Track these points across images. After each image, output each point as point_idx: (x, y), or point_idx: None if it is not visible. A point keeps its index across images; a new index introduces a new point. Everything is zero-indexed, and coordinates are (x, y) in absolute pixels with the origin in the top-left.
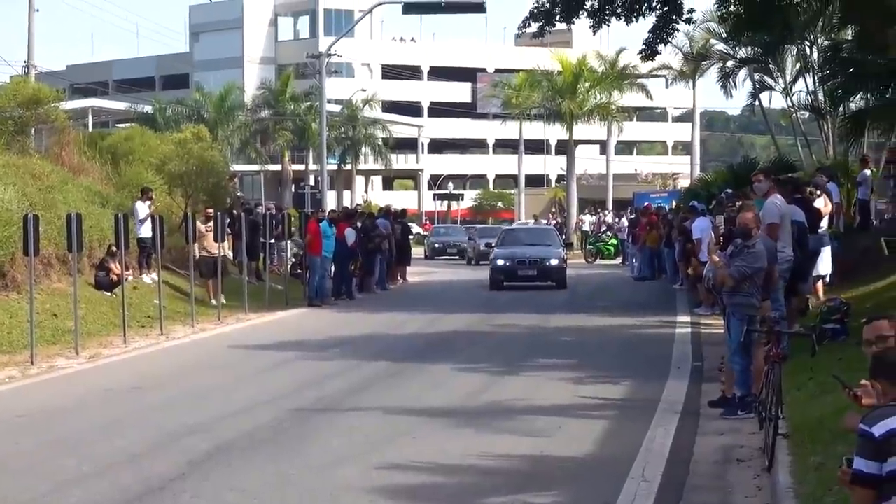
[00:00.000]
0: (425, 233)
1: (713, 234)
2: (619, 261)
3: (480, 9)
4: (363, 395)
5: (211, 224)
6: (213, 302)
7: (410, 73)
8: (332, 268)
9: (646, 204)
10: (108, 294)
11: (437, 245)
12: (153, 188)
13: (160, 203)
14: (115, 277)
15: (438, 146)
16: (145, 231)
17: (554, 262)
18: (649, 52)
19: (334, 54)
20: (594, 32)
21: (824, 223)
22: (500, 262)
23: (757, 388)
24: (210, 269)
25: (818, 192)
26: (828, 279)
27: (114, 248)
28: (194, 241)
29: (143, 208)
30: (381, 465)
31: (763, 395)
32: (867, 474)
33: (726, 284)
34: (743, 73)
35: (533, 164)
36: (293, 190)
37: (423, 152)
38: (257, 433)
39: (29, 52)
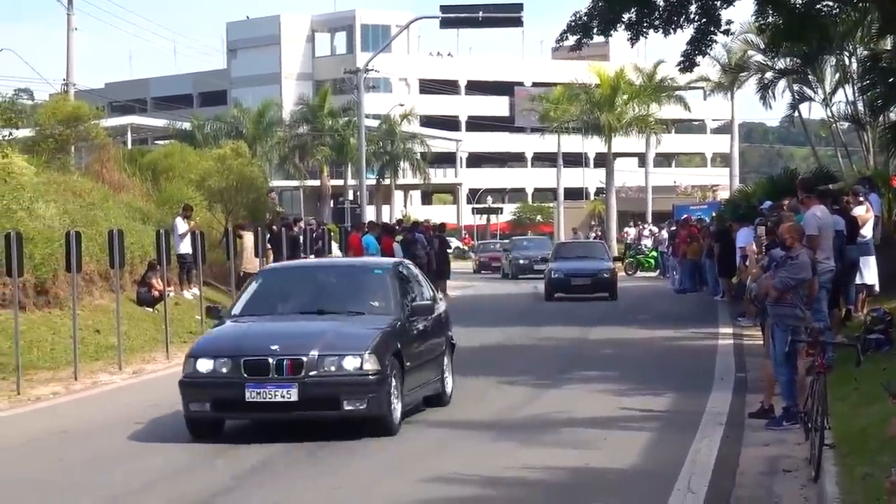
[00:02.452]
0: (465, 247)
1: (754, 245)
2: (657, 273)
3: (518, 23)
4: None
5: (248, 238)
6: None
7: (448, 87)
8: None
9: (685, 216)
10: (150, 310)
11: (521, 262)
12: (193, 204)
13: (200, 218)
14: (156, 293)
15: (477, 160)
16: (185, 247)
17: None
18: (687, 63)
19: (372, 69)
20: (632, 45)
21: (867, 232)
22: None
23: (801, 399)
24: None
25: (860, 199)
26: (876, 289)
27: (155, 264)
28: (236, 256)
29: (182, 224)
30: (425, 478)
31: (808, 405)
32: None
33: (770, 295)
34: (782, 84)
35: (571, 178)
36: (332, 205)
37: (461, 166)
38: (301, 447)
39: (68, 70)
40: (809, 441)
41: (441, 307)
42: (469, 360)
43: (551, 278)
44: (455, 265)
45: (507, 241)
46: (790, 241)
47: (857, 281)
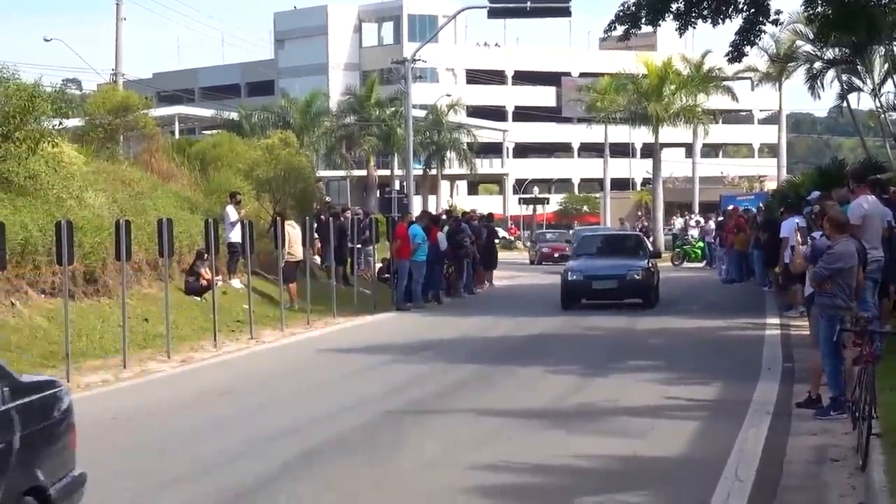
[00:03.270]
0: (511, 237)
1: (798, 235)
2: (703, 264)
3: (565, 12)
4: (454, 397)
5: (293, 226)
6: (293, 306)
7: (495, 77)
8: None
9: (732, 206)
10: (198, 299)
11: None
12: (240, 192)
13: (249, 208)
14: (205, 282)
15: (523, 150)
16: (235, 235)
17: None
18: (735, 54)
19: (419, 60)
20: (680, 35)
21: None
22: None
23: (849, 389)
24: (291, 272)
25: None
26: None
27: (203, 253)
28: (283, 245)
29: (233, 212)
30: (474, 466)
31: (856, 395)
32: None
33: (812, 286)
34: (830, 74)
35: (618, 168)
36: (379, 195)
37: (507, 156)
38: (349, 436)
39: (116, 60)
40: (857, 430)
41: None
42: (517, 350)
43: (567, 281)
44: (502, 255)
45: (565, 230)
46: (828, 231)
47: None
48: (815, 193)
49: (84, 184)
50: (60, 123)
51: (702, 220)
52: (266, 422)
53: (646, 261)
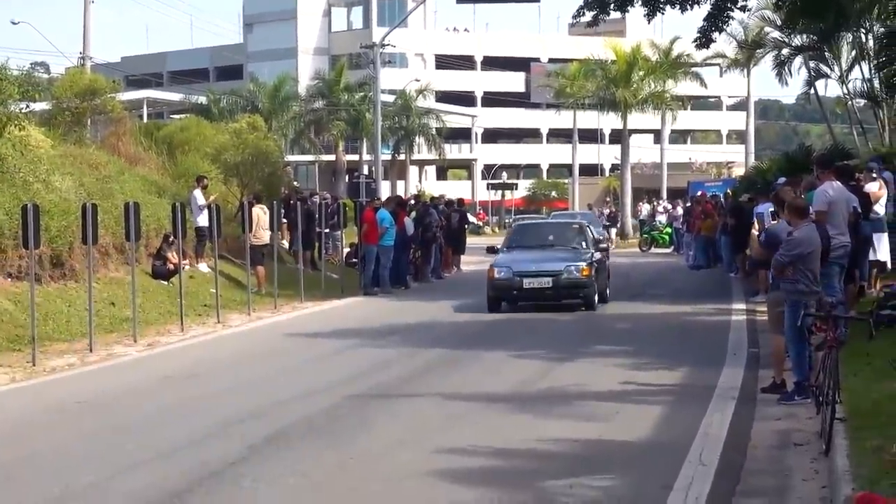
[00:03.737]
0: (479, 222)
1: (756, 222)
2: (671, 249)
3: None
4: (420, 381)
5: (263, 211)
6: (261, 290)
7: (464, 63)
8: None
9: (700, 192)
10: (165, 283)
11: None
12: (207, 176)
13: (216, 192)
14: (171, 266)
15: (492, 136)
16: (203, 220)
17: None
18: (704, 40)
19: (388, 44)
20: (649, 21)
21: (880, 209)
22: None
23: (813, 374)
24: (257, 256)
25: (873, 176)
26: (888, 266)
27: (171, 237)
28: (251, 230)
29: (200, 196)
30: (439, 449)
31: (820, 380)
32: None
33: (773, 272)
34: (798, 61)
35: (587, 154)
36: (347, 180)
37: (476, 142)
38: (315, 419)
39: (84, 43)
40: (821, 415)
41: None
42: (484, 335)
43: (494, 280)
44: (471, 240)
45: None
46: (788, 217)
47: (871, 257)
48: (781, 179)
49: (51, 167)
50: (27, 107)
51: (669, 207)
52: (232, 405)
53: (591, 253)
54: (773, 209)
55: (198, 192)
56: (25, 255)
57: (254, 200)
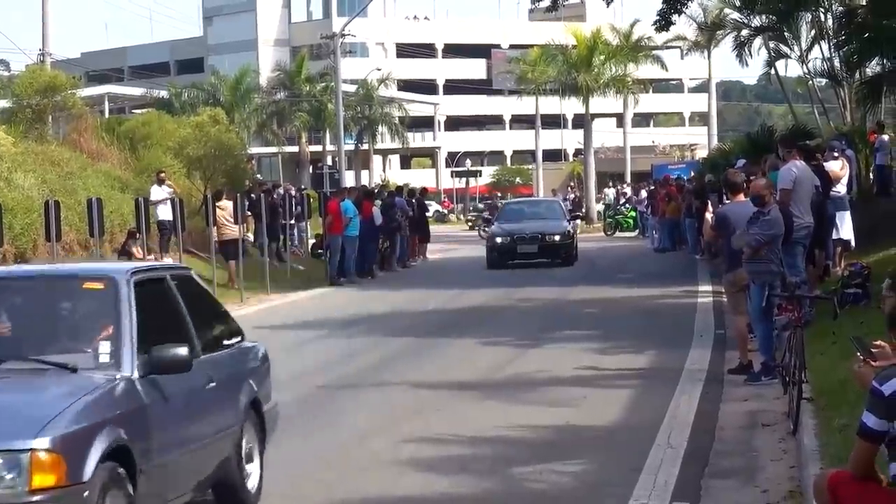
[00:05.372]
0: (445, 210)
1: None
2: (636, 233)
3: None
4: (388, 370)
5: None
6: (234, 286)
7: (425, 51)
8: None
9: (664, 175)
10: None
11: None
12: (165, 170)
13: (179, 186)
14: (137, 261)
15: (455, 123)
16: (164, 213)
17: (557, 236)
18: (663, 22)
19: (348, 34)
20: (608, 4)
21: (842, 188)
22: (499, 240)
23: (779, 354)
24: (231, 250)
25: (835, 154)
26: (852, 244)
27: (135, 232)
28: (214, 223)
29: (157, 191)
30: (408, 438)
31: (786, 360)
32: (872, 429)
33: (745, 252)
34: (758, 41)
35: (550, 139)
36: (311, 171)
37: (439, 130)
38: (284, 410)
39: (44, 39)
40: (787, 395)
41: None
42: (451, 322)
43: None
44: (437, 228)
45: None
46: (769, 197)
47: (833, 236)
48: (741, 161)
49: (13, 165)
50: None
51: (628, 192)
52: None
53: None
54: (722, 191)
55: (154, 188)
56: None
57: (218, 196)
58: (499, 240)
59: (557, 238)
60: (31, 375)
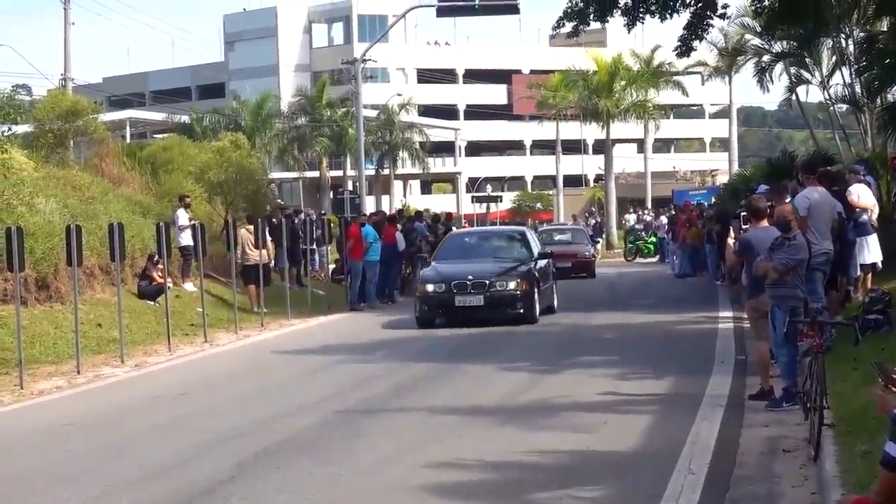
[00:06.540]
0: None
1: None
2: (657, 259)
3: (514, 10)
4: (408, 396)
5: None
6: (255, 308)
7: (445, 76)
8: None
9: (685, 201)
10: (151, 303)
11: None
12: (189, 195)
13: (200, 211)
14: (157, 285)
15: (475, 149)
16: (186, 239)
17: (512, 283)
18: (684, 48)
19: (369, 60)
20: (629, 30)
21: (867, 214)
22: (431, 288)
23: (801, 380)
24: (251, 276)
25: (859, 178)
26: (878, 266)
27: (156, 257)
28: (236, 247)
29: (183, 215)
30: (428, 463)
31: (807, 386)
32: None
33: (769, 276)
34: (779, 67)
35: (571, 165)
36: (332, 196)
37: (460, 155)
38: (304, 435)
39: (66, 65)
40: (809, 421)
41: None
42: (470, 347)
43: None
44: None
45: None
46: (794, 222)
47: (862, 261)
48: (763, 187)
49: (34, 189)
50: (9, 129)
51: (648, 217)
52: (220, 423)
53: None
54: (744, 215)
55: (181, 212)
56: (10, 278)
57: (246, 220)
58: (430, 288)
59: (512, 286)
60: None
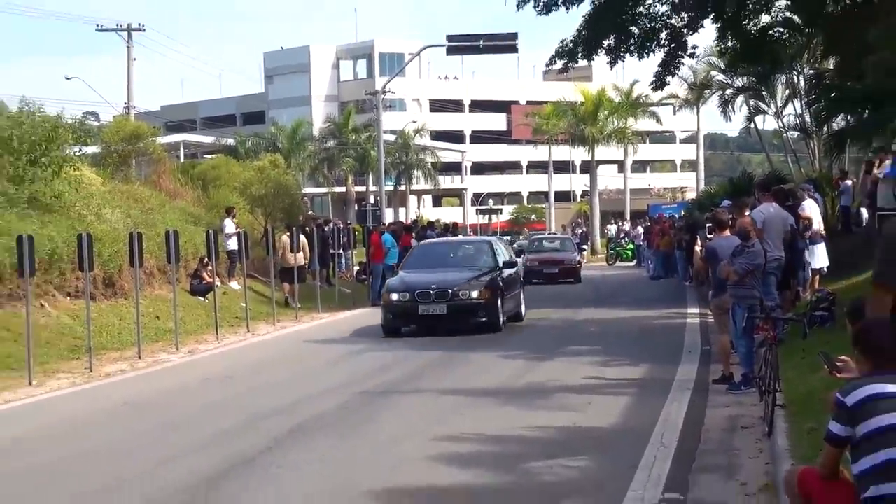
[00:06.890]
0: None
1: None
2: (634, 263)
3: (513, 49)
4: (419, 380)
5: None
6: (293, 304)
7: (454, 106)
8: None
9: (658, 214)
10: (202, 299)
11: None
12: (234, 207)
13: (244, 220)
14: (207, 284)
15: (479, 168)
16: (232, 244)
17: (475, 292)
18: (659, 83)
19: (389, 91)
20: (611, 67)
21: (816, 226)
22: (395, 297)
23: (756, 367)
24: (288, 276)
25: (806, 196)
26: (824, 270)
27: (206, 260)
28: (274, 252)
29: (230, 224)
30: (435, 437)
31: (762, 372)
32: (837, 435)
33: (731, 279)
34: (740, 99)
35: (561, 182)
36: (356, 208)
37: (466, 174)
38: (330, 414)
39: (128, 95)
40: (763, 402)
41: None
42: (474, 338)
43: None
44: None
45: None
46: (753, 232)
47: (813, 266)
48: (726, 202)
49: (102, 202)
50: (80, 150)
51: (627, 227)
52: (260, 403)
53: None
54: (709, 226)
55: (228, 221)
56: (81, 277)
57: (285, 229)
58: (395, 297)
59: (475, 295)
60: None
